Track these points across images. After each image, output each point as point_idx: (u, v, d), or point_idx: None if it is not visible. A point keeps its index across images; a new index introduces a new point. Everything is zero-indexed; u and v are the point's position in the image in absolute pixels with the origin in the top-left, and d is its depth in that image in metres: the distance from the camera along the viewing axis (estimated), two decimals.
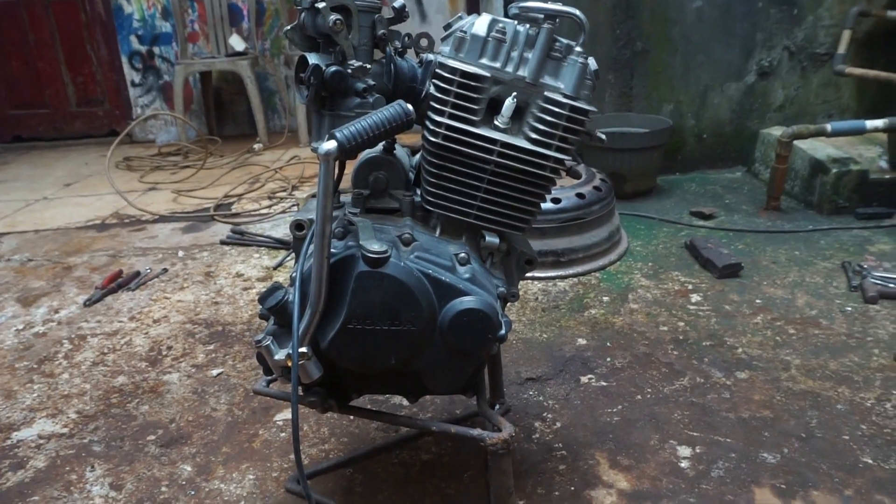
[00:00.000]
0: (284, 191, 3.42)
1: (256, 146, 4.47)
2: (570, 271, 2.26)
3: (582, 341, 1.87)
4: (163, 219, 3.14)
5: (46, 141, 5.20)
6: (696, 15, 3.12)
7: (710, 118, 3.30)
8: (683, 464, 1.38)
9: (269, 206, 3.20)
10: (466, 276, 1.02)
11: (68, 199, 3.62)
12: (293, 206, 3.16)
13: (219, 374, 1.81)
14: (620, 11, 3.10)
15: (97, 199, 3.55)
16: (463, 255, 1.04)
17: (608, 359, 1.78)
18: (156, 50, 5.01)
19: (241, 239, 2.75)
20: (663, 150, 3.04)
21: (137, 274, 2.46)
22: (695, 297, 2.08)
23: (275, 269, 2.47)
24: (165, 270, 2.51)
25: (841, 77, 3.09)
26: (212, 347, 1.95)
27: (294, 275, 1.01)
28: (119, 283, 2.38)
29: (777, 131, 3.00)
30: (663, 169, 3.18)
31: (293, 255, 2.53)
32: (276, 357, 0.99)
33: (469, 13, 1.07)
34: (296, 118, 4.57)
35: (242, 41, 4.64)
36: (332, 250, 0.97)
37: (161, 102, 5.11)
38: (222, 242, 2.75)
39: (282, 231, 2.84)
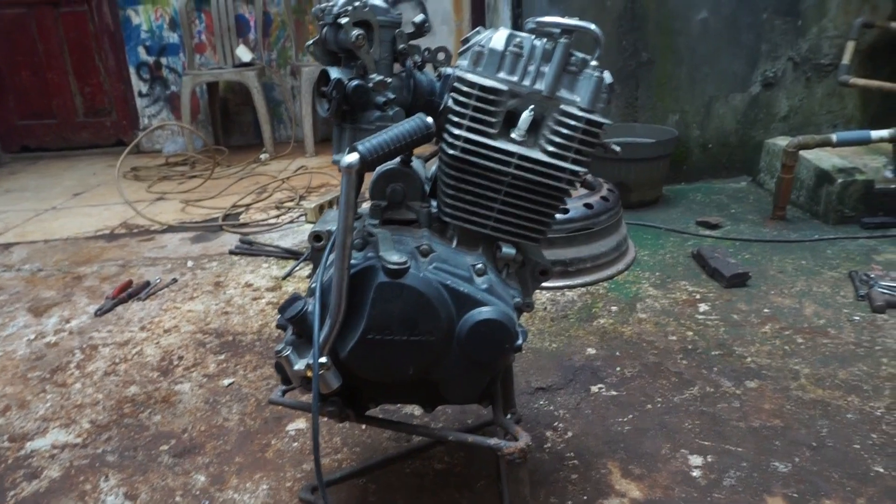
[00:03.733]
0: (292, 200, 3.44)
1: (263, 156, 4.49)
2: (579, 281, 2.28)
3: (591, 351, 1.88)
4: (171, 229, 3.16)
5: (54, 151, 5.24)
6: (701, 26, 3.15)
7: (715, 128, 3.32)
8: (695, 473, 1.39)
9: (277, 216, 3.21)
10: (484, 286, 1.03)
11: (77, 209, 3.64)
12: (301, 215, 3.18)
13: (230, 384, 1.82)
14: (626, 22, 3.12)
15: (105, 209, 3.57)
16: (480, 265, 1.06)
17: (618, 368, 1.79)
18: (163, 61, 5.05)
19: (249, 249, 2.77)
20: (669, 160, 3.06)
21: (147, 284, 2.47)
22: (703, 307, 2.09)
23: (284, 279, 2.48)
24: (175, 280, 2.52)
25: (845, 87, 3.11)
26: (223, 357, 1.96)
27: (313, 286, 1.03)
28: (129, 292, 2.40)
29: (782, 141, 3.02)
30: (669, 179, 3.20)
31: (301, 264, 2.56)
32: (296, 367, 1.00)
33: (474, 26, 1.09)
34: (302, 128, 4.60)
35: (249, 52, 4.68)
36: (352, 261, 0.98)
37: (168, 113, 5.15)
38: (231, 252, 2.77)
39: (290, 241, 2.86)
